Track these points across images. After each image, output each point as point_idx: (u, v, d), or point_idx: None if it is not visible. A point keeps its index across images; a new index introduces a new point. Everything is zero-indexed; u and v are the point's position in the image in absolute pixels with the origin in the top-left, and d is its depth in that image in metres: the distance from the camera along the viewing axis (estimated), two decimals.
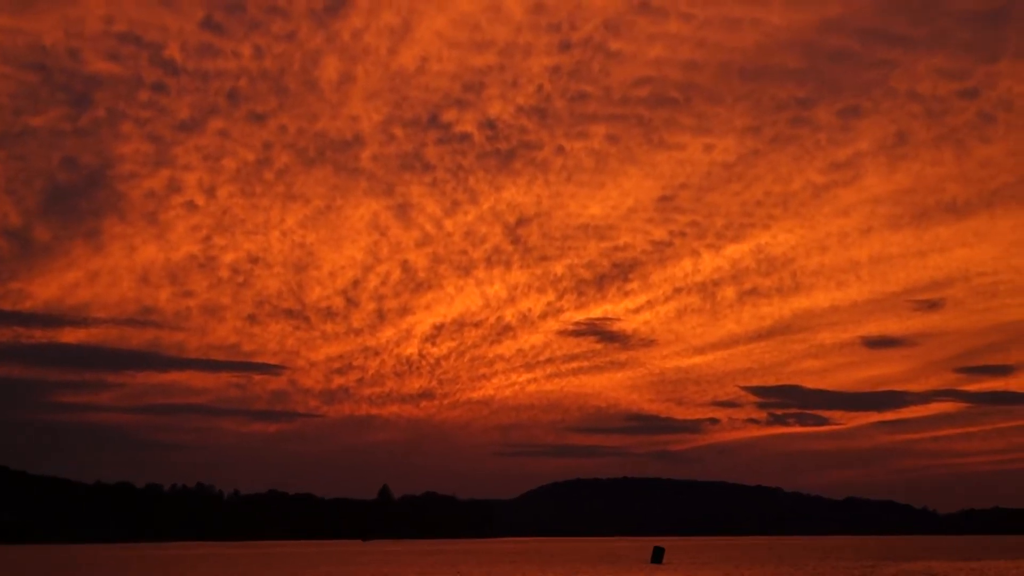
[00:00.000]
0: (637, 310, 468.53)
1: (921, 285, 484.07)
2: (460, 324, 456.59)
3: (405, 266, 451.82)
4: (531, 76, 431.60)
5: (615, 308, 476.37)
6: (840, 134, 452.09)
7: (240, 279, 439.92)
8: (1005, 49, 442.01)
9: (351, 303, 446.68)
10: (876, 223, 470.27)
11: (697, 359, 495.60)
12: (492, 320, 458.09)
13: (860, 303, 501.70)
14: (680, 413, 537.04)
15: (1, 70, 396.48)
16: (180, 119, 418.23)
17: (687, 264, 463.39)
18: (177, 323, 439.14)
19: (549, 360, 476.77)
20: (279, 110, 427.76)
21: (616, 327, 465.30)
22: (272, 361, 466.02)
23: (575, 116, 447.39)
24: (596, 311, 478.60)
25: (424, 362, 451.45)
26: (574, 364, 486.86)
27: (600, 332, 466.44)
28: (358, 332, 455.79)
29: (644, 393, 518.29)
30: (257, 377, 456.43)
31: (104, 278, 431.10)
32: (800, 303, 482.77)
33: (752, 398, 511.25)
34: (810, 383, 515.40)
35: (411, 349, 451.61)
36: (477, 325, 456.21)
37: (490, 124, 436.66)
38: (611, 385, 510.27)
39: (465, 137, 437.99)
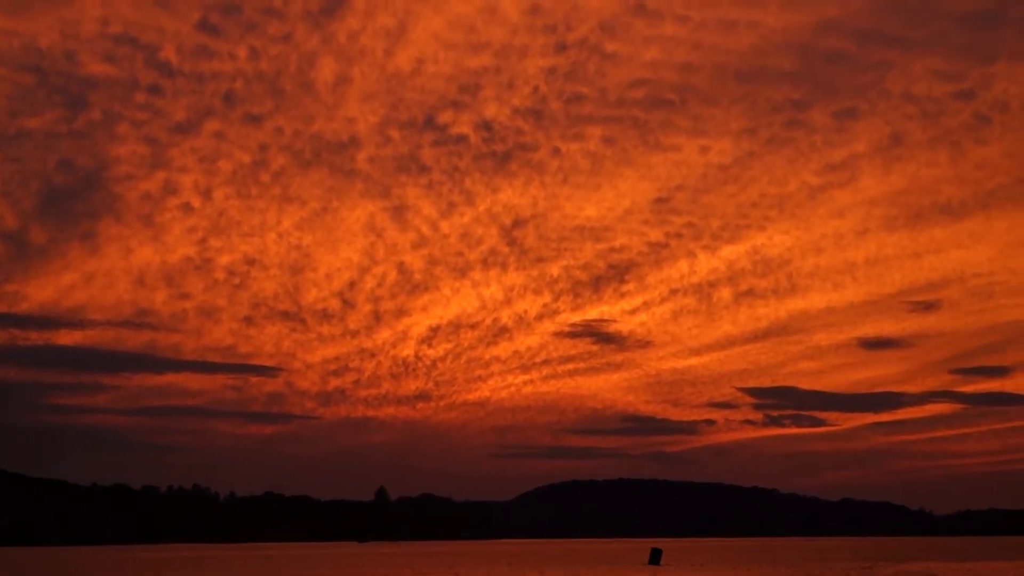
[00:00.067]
0: (633, 311, 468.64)
1: (917, 286, 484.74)
2: (456, 326, 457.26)
3: (401, 268, 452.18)
4: (527, 78, 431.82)
5: (611, 309, 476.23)
6: (836, 136, 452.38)
7: (236, 281, 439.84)
8: (1001, 51, 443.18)
9: (347, 305, 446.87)
10: (872, 224, 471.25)
11: (693, 360, 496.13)
12: (488, 322, 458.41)
13: (856, 304, 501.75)
14: (676, 414, 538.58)
15: None
16: (176, 121, 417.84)
17: (683, 265, 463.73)
18: (173, 325, 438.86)
19: (545, 362, 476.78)
20: (275, 112, 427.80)
21: (612, 328, 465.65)
22: (268, 363, 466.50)
23: (571, 118, 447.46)
24: (592, 312, 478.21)
25: (420, 364, 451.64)
26: (570, 365, 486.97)
27: (596, 333, 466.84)
28: (354, 334, 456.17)
29: (640, 394, 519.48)
30: (253, 379, 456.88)
31: (100, 280, 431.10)
32: (796, 304, 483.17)
33: (748, 399, 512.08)
34: (806, 384, 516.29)
35: (407, 351, 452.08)
36: (473, 327, 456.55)
37: (486, 126, 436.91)
38: (607, 386, 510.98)
39: (461, 139, 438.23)
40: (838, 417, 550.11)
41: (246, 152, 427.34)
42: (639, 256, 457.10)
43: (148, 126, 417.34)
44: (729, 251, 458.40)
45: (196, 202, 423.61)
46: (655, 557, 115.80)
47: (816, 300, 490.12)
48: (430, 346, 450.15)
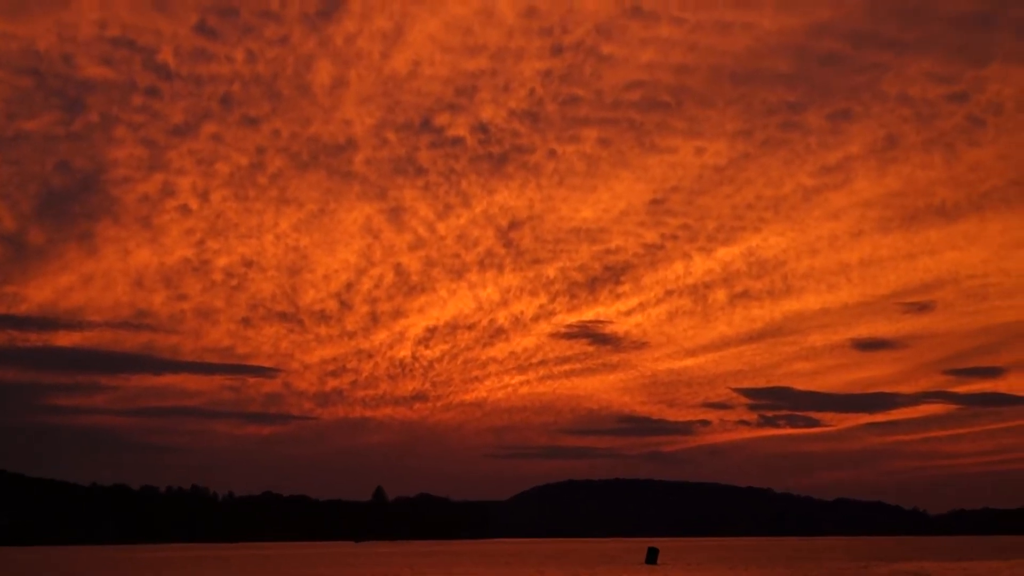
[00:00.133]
0: (629, 313, 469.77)
1: (911, 287, 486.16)
2: (453, 327, 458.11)
3: (398, 269, 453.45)
4: (523, 80, 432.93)
5: (607, 311, 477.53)
6: (830, 138, 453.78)
7: (234, 282, 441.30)
8: (994, 53, 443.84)
9: (344, 306, 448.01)
10: (866, 226, 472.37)
11: (688, 361, 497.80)
12: (485, 323, 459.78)
13: (850, 305, 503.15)
14: (672, 415, 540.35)
15: None
16: (173, 123, 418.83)
17: (678, 267, 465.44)
18: (171, 326, 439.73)
19: (541, 362, 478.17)
20: (272, 114, 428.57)
21: (608, 329, 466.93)
22: (266, 364, 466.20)
23: (567, 120, 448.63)
24: (588, 314, 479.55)
25: (417, 364, 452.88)
26: (566, 366, 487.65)
27: (592, 334, 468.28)
28: (352, 335, 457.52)
29: (636, 395, 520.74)
30: (251, 380, 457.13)
31: (98, 282, 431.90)
32: (791, 305, 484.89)
33: (743, 400, 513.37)
34: (801, 385, 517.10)
35: (404, 352, 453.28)
36: (470, 328, 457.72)
37: (482, 128, 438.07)
38: (603, 387, 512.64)
39: (458, 141, 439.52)
40: (833, 417, 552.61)
41: (243, 154, 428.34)
42: (635, 257, 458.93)
43: (146, 128, 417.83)
44: (724, 252, 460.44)
45: (194, 204, 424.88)
46: (652, 556, 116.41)
47: (811, 301, 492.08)
48: (427, 347, 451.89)
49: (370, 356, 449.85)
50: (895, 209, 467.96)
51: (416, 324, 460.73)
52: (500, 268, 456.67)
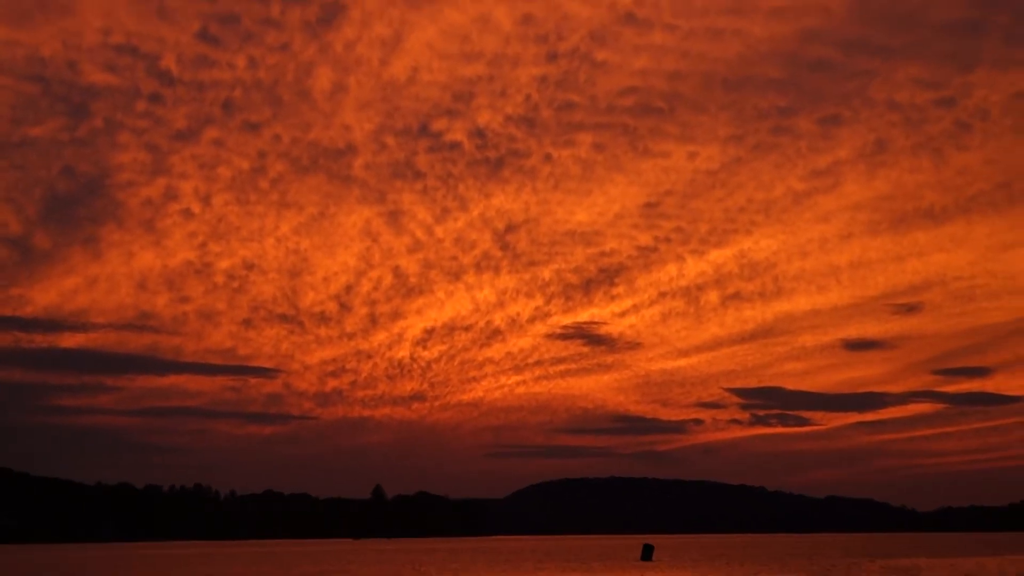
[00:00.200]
0: (623, 314, 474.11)
1: (900, 289, 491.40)
2: (450, 328, 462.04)
3: (397, 272, 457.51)
4: (519, 86, 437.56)
5: (602, 312, 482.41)
6: (820, 142, 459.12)
7: (235, 284, 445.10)
8: (981, 59, 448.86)
9: (344, 308, 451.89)
10: (856, 229, 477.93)
11: (682, 361, 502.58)
12: (482, 324, 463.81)
13: (840, 307, 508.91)
14: (665, 414, 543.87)
15: (0, 81, 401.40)
16: (176, 129, 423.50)
17: (672, 269, 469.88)
18: (174, 328, 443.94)
19: (537, 363, 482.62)
20: (273, 120, 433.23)
21: (603, 330, 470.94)
22: (267, 364, 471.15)
23: (562, 125, 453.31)
24: (583, 315, 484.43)
25: (415, 365, 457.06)
26: (562, 367, 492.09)
27: (587, 335, 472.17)
28: (351, 336, 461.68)
29: (630, 395, 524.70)
30: (252, 380, 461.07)
31: (103, 284, 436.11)
32: (782, 307, 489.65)
33: (735, 399, 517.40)
34: (792, 385, 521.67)
35: (403, 352, 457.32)
36: (467, 329, 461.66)
37: (479, 133, 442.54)
38: (598, 387, 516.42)
39: (455, 146, 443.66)
40: (823, 417, 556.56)
41: (245, 159, 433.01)
42: (629, 260, 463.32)
43: (149, 134, 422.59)
44: (716, 255, 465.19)
45: (196, 208, 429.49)
46: (647, 553, 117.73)
47: (801, 302, 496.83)
48: (425, 348, 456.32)
49: (369, 357, 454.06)
50: (884, 212, 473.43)
51: (414, 325, 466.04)
52: (497, 270, 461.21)
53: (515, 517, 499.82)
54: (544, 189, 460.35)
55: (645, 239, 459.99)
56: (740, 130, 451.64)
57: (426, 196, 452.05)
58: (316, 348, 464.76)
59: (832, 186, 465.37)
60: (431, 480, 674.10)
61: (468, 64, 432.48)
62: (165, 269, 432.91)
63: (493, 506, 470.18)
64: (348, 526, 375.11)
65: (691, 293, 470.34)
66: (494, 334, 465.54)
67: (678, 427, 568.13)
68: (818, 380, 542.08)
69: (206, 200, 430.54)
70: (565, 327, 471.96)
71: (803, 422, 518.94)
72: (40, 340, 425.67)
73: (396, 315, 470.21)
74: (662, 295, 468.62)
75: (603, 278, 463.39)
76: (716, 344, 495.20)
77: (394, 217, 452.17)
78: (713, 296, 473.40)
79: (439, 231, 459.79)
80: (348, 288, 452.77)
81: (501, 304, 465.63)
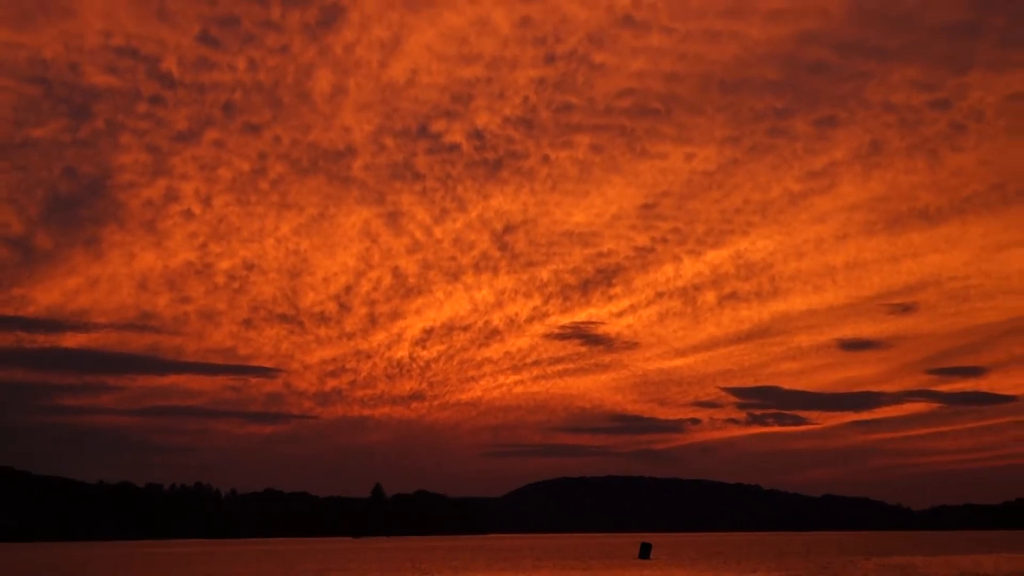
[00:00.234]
0: (620, 314, 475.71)
1: (895, 289, 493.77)
2: (449, 328, 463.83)
3: (396, 272, 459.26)
4: (517, 88, 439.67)
5: (599, 312, 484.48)
6: (817, 143, 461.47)
7: (236, 285, 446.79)
8: (976, 61, 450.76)
9: (344, 308, 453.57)
10: (851, 230, 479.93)
11: (679, 361, 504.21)
12: (480, 324, 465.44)
13: (836, 307, 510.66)
14: (662, 413, 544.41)
15: (3, 83, 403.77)
16: (177, 130, 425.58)
17: (669, 269, 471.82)
18: (175, 328, 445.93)
19: (535, 362, 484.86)
20: (273, 121, 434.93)
21: (600, 330, 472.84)
22: (267, 364, 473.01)
23: (560, 126, 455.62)
24: (581, 315, 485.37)
25: (415, 365, 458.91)
26: (560, 366, 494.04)
27: (585, 335, 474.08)
28: (351, 336, 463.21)
29: (627, 394, 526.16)
30: (253, 380, 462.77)
31: (104, 284, 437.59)
32: (778, 307, 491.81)
33: (732, 399, 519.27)
34: (788, 384, 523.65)
35: (402, 352, 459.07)
36: (466, 329, 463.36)
37: (478, 134, 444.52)
38: (596, 386, 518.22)
39: (454, 147, 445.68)
40: (819, 416, 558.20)
41: (245, 160, 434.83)
42: (626, 260, 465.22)
43: (150, 135, 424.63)
44: (713, 255, 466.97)
45: (197, 209, 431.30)
46: (645, 551, 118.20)
47: (797, 303, 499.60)
48: (424, 348, 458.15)
49: (368, 357, 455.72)
50: (879, 213, 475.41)
51: (413, 325, 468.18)
52: (495, 271, 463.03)
53: (514, 516, 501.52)
54: (542, 190, 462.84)
55: (642, 240, 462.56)
56: (737, 131, 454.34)
57: (425, 197, 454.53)
58: (316, 348, 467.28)
59: (828, 187, 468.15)
60: (430, 479, 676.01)
61: (467, 66, 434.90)
62: (166, 269, 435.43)
63: (492, 505, 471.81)
64: (348, 525, 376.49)
65: (688, 293, 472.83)
66: (492, 334, 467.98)
67: (675, 426, 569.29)
68: (814, 380, 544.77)
69: (207, 201, 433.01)
70: (563, 327, 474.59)
71: (799, 421, 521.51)
72: (42, 340, 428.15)
73: (395, 315, 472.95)
74: (659, 295, 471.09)
75: (601, 278, 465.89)
76: (713, 344, 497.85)
77: (393, 218, 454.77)
78: (710, 296, 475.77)
79: (438, 232, 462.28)
80: (348, 288, 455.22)
81: (499, 304, 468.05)
